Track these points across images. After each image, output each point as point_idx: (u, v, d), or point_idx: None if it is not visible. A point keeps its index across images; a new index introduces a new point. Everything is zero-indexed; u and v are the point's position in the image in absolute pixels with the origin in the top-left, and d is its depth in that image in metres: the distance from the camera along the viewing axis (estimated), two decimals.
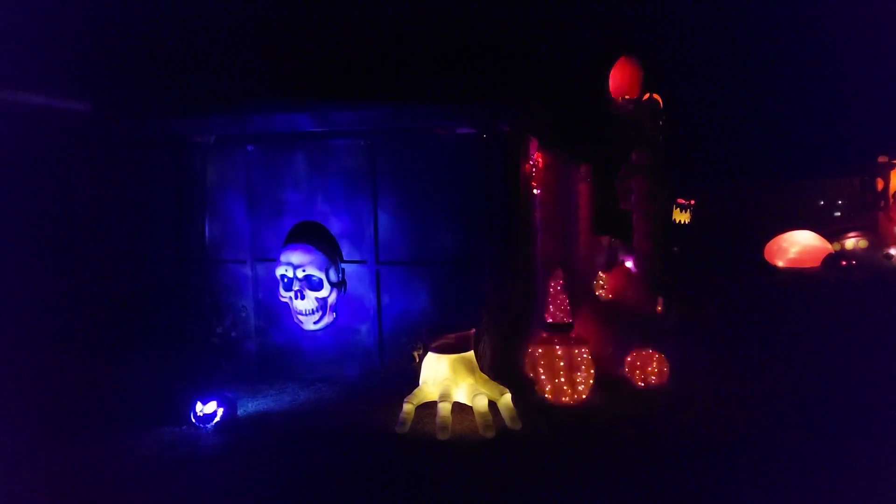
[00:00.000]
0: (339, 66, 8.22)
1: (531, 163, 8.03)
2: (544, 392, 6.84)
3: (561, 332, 7.11)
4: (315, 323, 7.58)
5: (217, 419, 6.20)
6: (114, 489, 5.04)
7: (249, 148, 7.90)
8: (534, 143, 8.17)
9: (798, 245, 19.94)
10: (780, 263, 19.91)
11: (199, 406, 6.15)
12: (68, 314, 7.78)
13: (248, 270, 8.00)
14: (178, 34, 8.32)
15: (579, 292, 10.13)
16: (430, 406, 6.32)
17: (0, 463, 5.43)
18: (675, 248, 16.75)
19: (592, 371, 6.90)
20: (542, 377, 6.83)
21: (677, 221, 17.78)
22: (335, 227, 7.73)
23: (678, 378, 7.55)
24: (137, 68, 8.08)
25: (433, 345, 6.60)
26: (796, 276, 17.75)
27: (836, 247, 20.67)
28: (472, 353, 6.68)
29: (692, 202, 18.13)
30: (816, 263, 19.15)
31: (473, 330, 6.79)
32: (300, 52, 8.41)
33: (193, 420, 6.15)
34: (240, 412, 6.58)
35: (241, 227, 8.00)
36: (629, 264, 11.66)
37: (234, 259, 8.04)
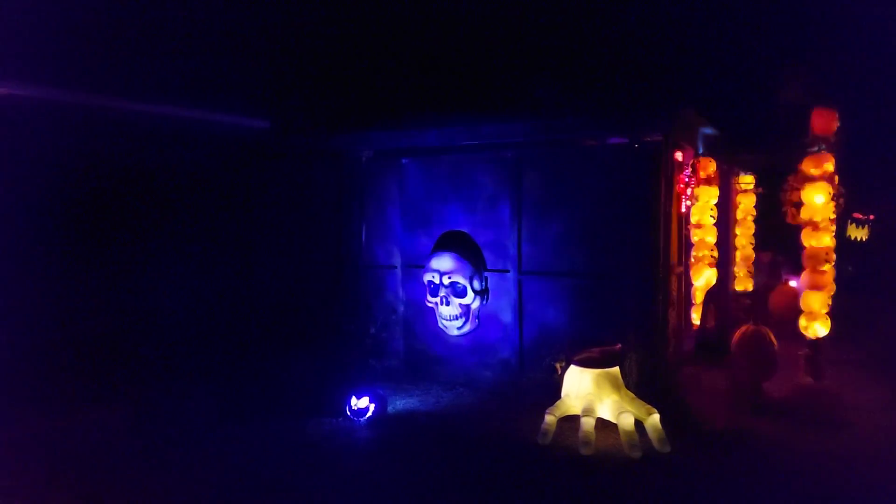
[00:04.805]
0: (490, 79, 8.47)
1: (685, 173, 7.67)
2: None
3: (714, 353, 6.71)
4: (458, 329, 7.84)
5: (369, 414, 6.62)
6: (278, 472, 5.54)
7: (404, 161, 8.37)
8: (688, 153, 7.80)
9: None
10: None
11: (353, 400, 6.61)
12: (245, 314, 8.70)
13: (398, 276, 8.46)
14: (341, 59, 9.08)
15: (736, 312, 9.44)
16: (572, 419, 6.25)
17: (184, 441, 6.21)
18: (850, 268, 15.01)
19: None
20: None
21: (852, 238, 15.91)
22: (480, 236, 7.93)
23: (844, 410, 6.82)
24: (309, 89, 8.92)
25: (576, 358, 6.52)
26: None
27: None
28: (617, 369, 6.52)
29: (871, 217, 16.12)
30: None
31: (619, 345, 6.62)
32: (453, 68, 8.79)
33: (348, 413, 6.63)
34: (389, 409, 6.97)
35: (393, 235, 8.49)
36: (794, 283, 10.68)
37: (387, 265, 8.54)
